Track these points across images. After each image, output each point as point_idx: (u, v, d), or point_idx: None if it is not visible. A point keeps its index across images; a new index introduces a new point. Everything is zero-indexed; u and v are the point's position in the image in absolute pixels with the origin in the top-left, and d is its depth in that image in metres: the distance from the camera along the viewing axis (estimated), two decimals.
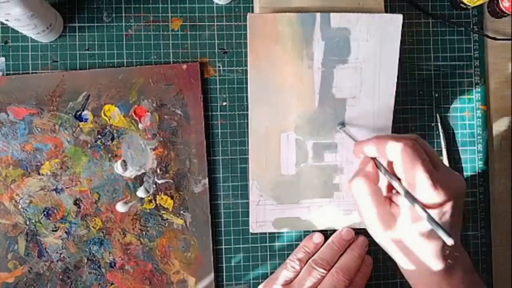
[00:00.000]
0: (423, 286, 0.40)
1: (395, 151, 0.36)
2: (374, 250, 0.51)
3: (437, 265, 0.37)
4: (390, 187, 0.41)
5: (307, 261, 0.48)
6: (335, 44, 0.47)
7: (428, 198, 0.35)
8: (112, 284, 0.48)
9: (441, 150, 0.53)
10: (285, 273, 0.48)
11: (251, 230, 0.50)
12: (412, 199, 0.35)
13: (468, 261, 0.40)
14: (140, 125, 0.48)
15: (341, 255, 0.49)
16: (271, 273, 0.51)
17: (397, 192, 0.38)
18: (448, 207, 0.35)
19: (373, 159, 0.40)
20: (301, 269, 0.48)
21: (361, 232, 0.51)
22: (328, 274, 0.47)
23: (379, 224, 0.38)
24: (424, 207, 0.34)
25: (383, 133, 0.47)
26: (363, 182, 0.39)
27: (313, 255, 0.49)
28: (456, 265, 0.38)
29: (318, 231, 0.51)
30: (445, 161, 0.53)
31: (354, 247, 0.49)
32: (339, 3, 0.48)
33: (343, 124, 0.48)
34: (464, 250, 0.41)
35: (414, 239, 0.36)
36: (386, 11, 0.49)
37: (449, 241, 0.32)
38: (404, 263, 0.39)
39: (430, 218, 0.33)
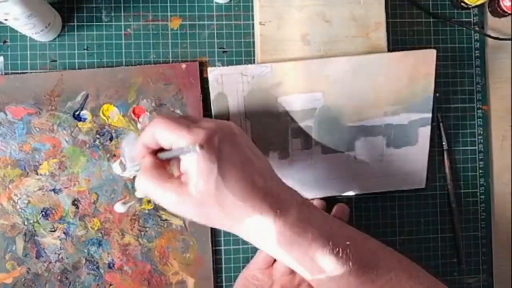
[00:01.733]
0: (264, 234, 0.37)
1: (155, 129, 0.37)
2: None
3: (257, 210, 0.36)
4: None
5: None
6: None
7: (190, 141, 0.35)
8: (110, 285, 0.48)
9: (441, 150, 0.53)
10: (264, 256, 0.47)
11: None
12: (174, 152, 0.36)
13: (301, 197, 0.39)
14: (139, 125, 0.48)
15: None
16: None
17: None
18: (212, 137, 0.35)
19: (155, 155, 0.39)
20: None
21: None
22: None
23: (175, 198, 0.36)
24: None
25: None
26: (144, 174, 0.37)
27: None
28: (288, 205, 0.36)
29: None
30: (446, 161, 0.53)
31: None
32: (339, 2, 0.48)
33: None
34: (295, 192, 0.39)
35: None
36: (386, 10, 0.49)
37: (197, 149, 0.33)
38: (222, 224, 0.38)
39: (180, 149, 0.35)
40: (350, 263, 0.36)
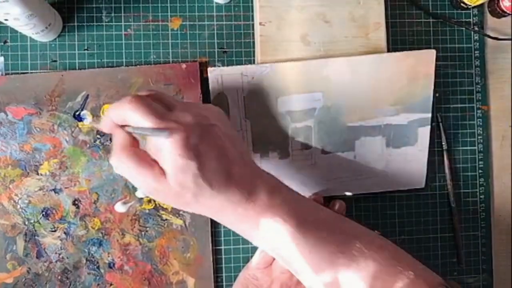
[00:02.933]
0: (234, 224, 0.39)
1: (125, 110, 0.35)
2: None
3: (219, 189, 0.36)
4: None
5: None
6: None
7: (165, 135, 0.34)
8: (111, 284, 0.48)
9: (441, 150, 0.53)
10: (263, 255, 0.47)
11: None
12: (142, 129, 0.35)
13: (274, 182, 0.39)
14: None
15: None
16: None
17: None
18: (190, 134, 0.35)
19: (122, 127, 0.38)
20: None
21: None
22: None
23: (154, 185, 0.36)
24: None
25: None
26: (120, 152, 0.36)
27: None
28: (258, 190, 0.37)
29: None
30: (446, 161, 0.53)
31: None
32: (338, 2, 0.48)
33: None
34: (270, 176, 0.40)
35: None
36: (386, 10, 0.49)
37: (165, 135, 0.33)
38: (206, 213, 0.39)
39: (150, 130, 0.34)
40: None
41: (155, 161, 0.36)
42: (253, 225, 0.38)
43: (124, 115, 0.36)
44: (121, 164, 0.36)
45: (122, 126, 0.37)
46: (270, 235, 0.38)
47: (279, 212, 0.37)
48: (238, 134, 0.40)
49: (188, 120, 0.36)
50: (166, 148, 0.34)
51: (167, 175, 0.35)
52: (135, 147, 0.37)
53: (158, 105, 0.36)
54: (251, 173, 0.38)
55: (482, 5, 0.53)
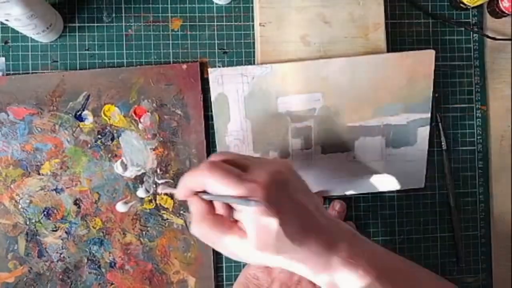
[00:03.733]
0: (311, 275, 0.38)
1: (205, 178, 0.36)
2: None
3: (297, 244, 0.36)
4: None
5: None
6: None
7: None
8: (112, 284, 0.48)
9: (441, 150, 0.53)
10: None
11: None
12: (223, 197, 0.35)
13: (352, 231, 0.39)
14: (140, 125, 0.48)
15: None
16: None
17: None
18: (268, 192, 0.35)
19: (195, 194, 0.38)
20: None
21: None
22: None
23: (234, 249, 0.36)
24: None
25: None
26: (200, 222, 0.37)
27: None
28: (338, 240, 0.37)
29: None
30: (445, 161, 0.53)
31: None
32: (338, 3, 0.48)
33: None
34: (344, 224, 0.40)
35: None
36: (386, 11, 0.49)
37: (252, 204, 0.33)
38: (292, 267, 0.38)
39: (233, 198, 0.34)
40: None
41: (234, 222, 0.37)
42: (332, 275, 0.37)
43: (203, 182, 0.36)
44: (203, 233, 0.37)
45: (197, 193, 0.37)
46: (348, 285, 0.37)
47: (360, 263, 0.37)
48: (308, 185, 0.40)
49: (264, 178, 0.35)
50: (247, 209, 0.34)
51: (248, 235, 0.35)
52: (212, 213, 0.37)
53: (234, 168, 0.36)
54: (329, 223, 0.38)
55: (481, 5, 0.53)
